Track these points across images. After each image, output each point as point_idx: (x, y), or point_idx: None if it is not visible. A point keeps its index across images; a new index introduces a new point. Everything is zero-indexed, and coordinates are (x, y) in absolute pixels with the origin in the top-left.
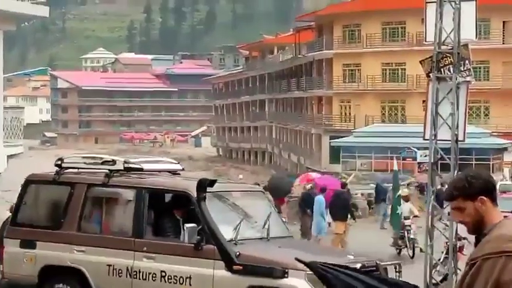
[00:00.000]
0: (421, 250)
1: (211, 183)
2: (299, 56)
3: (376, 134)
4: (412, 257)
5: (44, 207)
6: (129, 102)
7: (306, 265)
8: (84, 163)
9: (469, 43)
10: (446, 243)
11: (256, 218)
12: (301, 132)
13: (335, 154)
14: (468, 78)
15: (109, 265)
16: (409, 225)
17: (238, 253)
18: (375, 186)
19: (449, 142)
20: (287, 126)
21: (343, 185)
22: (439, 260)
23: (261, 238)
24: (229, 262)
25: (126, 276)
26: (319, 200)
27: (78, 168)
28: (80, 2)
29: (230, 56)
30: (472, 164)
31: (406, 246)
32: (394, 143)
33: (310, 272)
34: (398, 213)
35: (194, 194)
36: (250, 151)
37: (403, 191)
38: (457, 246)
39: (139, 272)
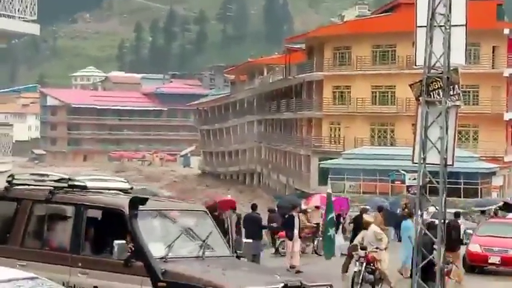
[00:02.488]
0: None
1: (143, 201)
2: (289, 77)
3: (365, 156)
4: None
5: None
6: (119, 121)
7: None
8: (33, 180)
9: (459, 67)
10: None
11: (195, 237)
12: (290, 153)
13: (324, 175)
14: (457, 103)
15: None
16: (363, 257)
17: (163, 270)
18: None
19: (438, 166)
20: (276, 147)
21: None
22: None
23: (196, 257)
24: (154, 279)
25: None
26: (408, 225)
27: (28, 184)
28: (70, 20)
29: (220, 76)
30: (460, 187)
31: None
32: (383, 166)
33: None
34: (330, 235)
35: (127, 211)
36: (239, 174)
37: (367, 216)
38: (445, 271)
39: (74, 287)
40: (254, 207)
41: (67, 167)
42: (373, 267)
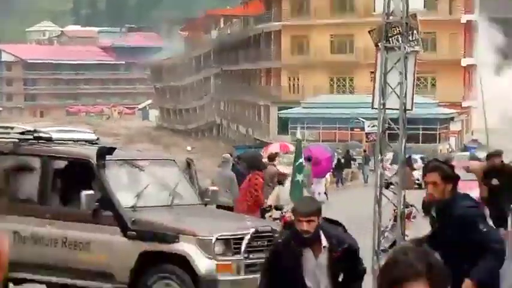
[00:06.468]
0: None
1: (110, 150)
2: (247, 28)
3: (324, 105)
4: None
5: None
6: (76, 75)
7: None
8: None
9: (417, 13)
10: (394, 210)
11: (164, 186)
12: (250, 104)
13: (283, 125)
14: (416, 48)
15: (15, 232)
16: (277, 219)
17: (133, 219)
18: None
19: (398, 111)
20: (235, 98)
21: None
22: (386, 227)
23: (165, 206)
24: (124, 228)
25: (31, 243)
26: None
27: None
28: None
29: (177, 28)
30: (419, 133)
31: None
32: (342, 114)
33: (201, 237)
34: (298, 180)
35: (94, 161)
36: (198, 130)
37: (281, 167)
38: (405, 213)
39: (43, 238)
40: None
41: (25, 123)
42: None
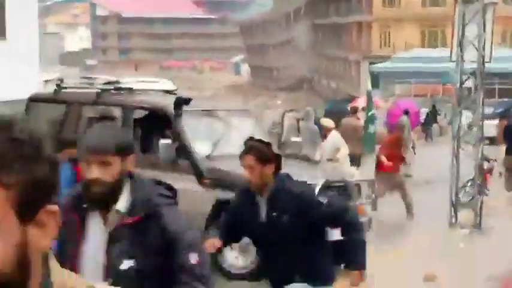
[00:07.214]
0: None
1: (188, 101)
2: None
3: (415, 59)
4: None
5: (43, 124)
6: (169, 30)
7: None
8: (81, 83)
9: None
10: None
11: (239, 135)
12: (340, 59)
13: (374, 80)
14: (495, 0)
15: None
16: None
17: (208, 168)
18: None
19: (475, 63)
20: (326, 52)
21: None
22: (467, 181)
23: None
24: (199, 176)
25: None
26: None
27: (75, 87)
28: None
29: None
30: (510, 88)
31: None
32: (433, 68)
33: None
34: (370, 132)
35: (172, 111)
36: (289, 85)
37: (325, 121)
38: (485, 168)
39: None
40: None
41: (118, 76)
42: None
